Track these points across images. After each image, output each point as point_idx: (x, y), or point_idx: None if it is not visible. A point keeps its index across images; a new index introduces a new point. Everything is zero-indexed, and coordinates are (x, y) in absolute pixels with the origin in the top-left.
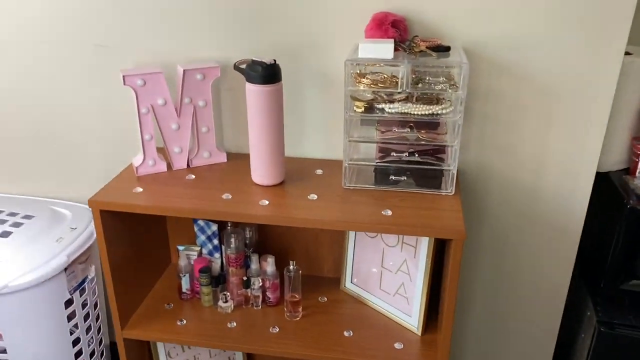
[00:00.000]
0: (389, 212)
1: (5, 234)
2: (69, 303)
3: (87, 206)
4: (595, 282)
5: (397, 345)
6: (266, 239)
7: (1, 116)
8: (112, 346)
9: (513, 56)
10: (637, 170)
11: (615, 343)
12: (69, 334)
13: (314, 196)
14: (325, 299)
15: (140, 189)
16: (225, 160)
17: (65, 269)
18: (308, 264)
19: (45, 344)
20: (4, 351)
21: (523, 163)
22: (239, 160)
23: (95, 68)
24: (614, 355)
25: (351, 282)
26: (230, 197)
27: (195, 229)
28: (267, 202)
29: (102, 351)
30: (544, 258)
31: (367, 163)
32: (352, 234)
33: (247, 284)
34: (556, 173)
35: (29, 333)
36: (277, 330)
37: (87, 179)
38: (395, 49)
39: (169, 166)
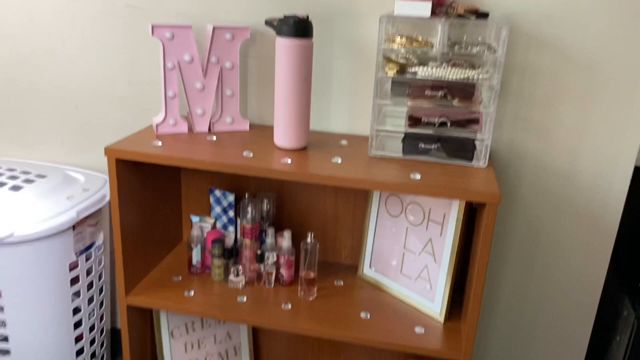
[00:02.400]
0: (418, 176)
1: (16, 188)
2: (73, 266)
3: (102, 174)
4: (633, 280)
5: (418, 330)
6: (283, 216)
7: (28, 78)
8: (113, 333)
9: (554, 31)
10: None
11: None
12: (70, 300)
13: (338, 159)
14: (342, 282)
15: (160, 143)
16: (248, 129)
17: (74, 228)
18: (325, 248)
19: (45, 307)
20: (1, 309)
21: (557, 148)
22: (262, 130)
23: (124, 30)
24: None
25: (369, 268)
26: (251, 154)
27: (211, 199)
28: (289, 160)
29: (102, 329)
30: (578, 252)
31: (396, 131)
32: (373, 214)
33: (260, 259)
34: (592, 162)
35: (29, 292)
36: (290, 307)
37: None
38: (433, 13)
39: (190, 129)
